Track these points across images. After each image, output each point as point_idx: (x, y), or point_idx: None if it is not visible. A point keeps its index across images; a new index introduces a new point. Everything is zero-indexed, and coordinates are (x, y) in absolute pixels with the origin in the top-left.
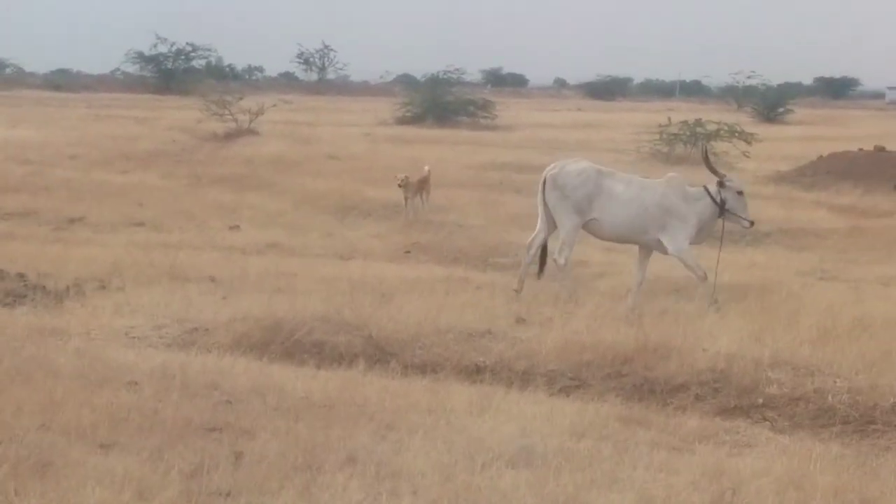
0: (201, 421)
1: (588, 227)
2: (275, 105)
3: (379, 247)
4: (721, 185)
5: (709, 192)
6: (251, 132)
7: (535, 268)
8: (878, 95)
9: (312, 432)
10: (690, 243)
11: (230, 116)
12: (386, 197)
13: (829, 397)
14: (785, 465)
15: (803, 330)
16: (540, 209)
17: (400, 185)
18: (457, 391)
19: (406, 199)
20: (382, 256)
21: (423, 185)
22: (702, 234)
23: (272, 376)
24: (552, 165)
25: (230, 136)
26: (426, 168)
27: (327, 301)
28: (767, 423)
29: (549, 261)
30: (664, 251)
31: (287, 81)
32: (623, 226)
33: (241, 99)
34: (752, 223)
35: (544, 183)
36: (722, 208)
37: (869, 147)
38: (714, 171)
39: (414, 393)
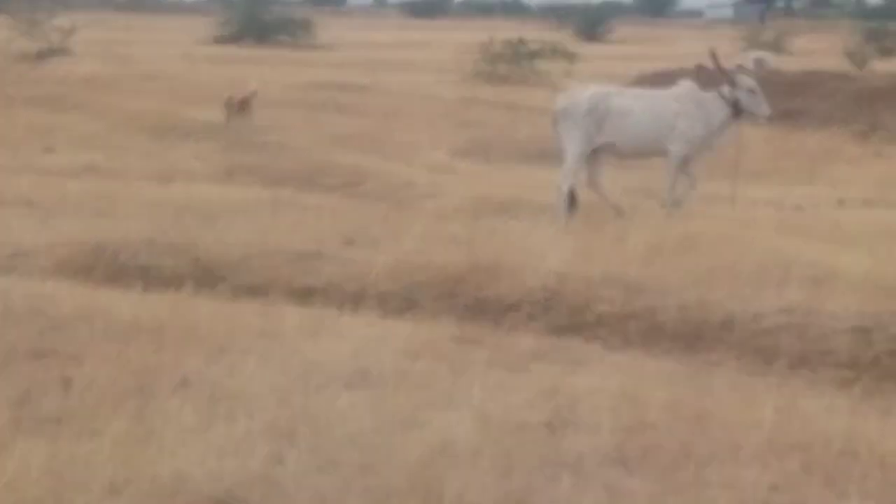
0: (27, 347)
1: (609, 149)
2: (88, 24)
3: (201, 168)
4: (732, 84)
5: (721, 95)
6: (64, 52)
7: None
8: (697, 14)
9: (143, 356)
10: (690, 152)
11: (41, 35)
12: (206, 117)
13: (659, 314)
14: (619, 382)
15: (632, 248)
16: (559, 142)
17: (226, 103)
18: (288, 313)
19: (228, 118)
20: (205, 178)
21: (246, 104)
22: (713, 139)
23: (98, 301)
24: (561, 96)
25: (42, 56)
26: (252, 85)
27: (151, 223)
28: (600, 340)
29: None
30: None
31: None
32: (642, 139)
33: (52, 17)
34: (768, 116)
35: (556, 117)
36: (736, 108)
37: (690, 65)
38: (723, 72)
39: (245, 315)
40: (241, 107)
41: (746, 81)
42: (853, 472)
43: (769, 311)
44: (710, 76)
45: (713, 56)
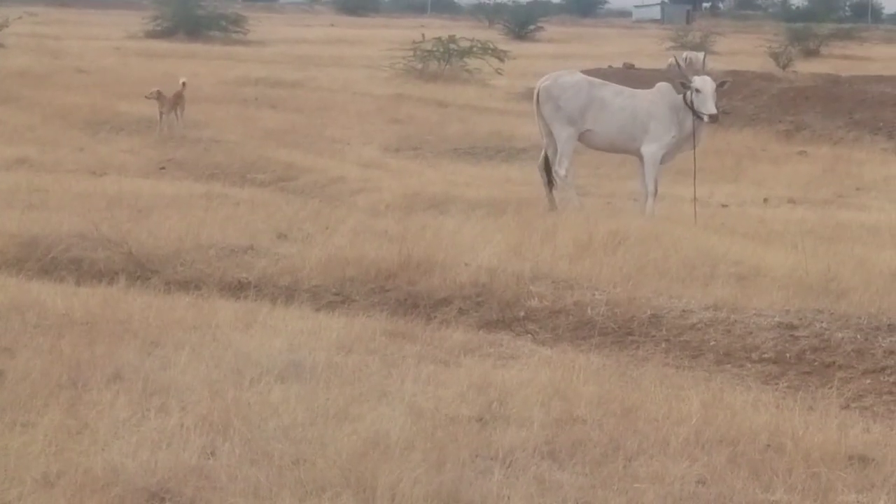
0: None
1: (583, 138)
2: (20, 17)
3: (133, 162)
4: (684, 86)
5: (685, 99)
6: None
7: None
8: (625, 14)
9: (76, 349)
10: (666, 153)
11: None
12: (138, 111)
13: (589, 310)
14: (549, 376)
15: (561, 244)
16: (539, 123)
17: (148, 97)
18: (221, 307)
19: (161, 113)
20: (137, 172)
21: (178, 99)
22: (680, 143)
23: (30, 293)
24: (545, 77)
25: None
26: (181, 81)
27: (83, 217)
28: (529, 335)
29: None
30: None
31: None
32: (615, 134)
33: None
34: (710, 116)
35: (538, 96)
36: (692, 110)
37: (618, 64)
38: (685, 76)
39: (178, 309)
40: (174, 102)
41: (696, 82)
42: (779, 466)
43: (696, 307)
44: (638, 75)
45: (676, 60)
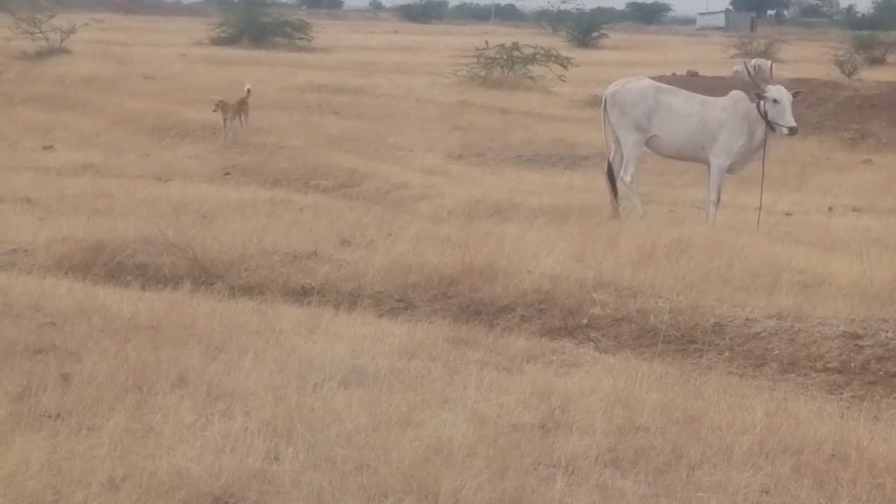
0: (26, 343)
1: (650, 144)
2: (87, 24)
3: (197, 168)
4: (758, 96)
5: (758, 108)
6: (63, 51)
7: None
8: (689, 21)
9: (141, 353)
10: (734, 162)
11: (41, 35)
12: (203, 118)
13: (652, 318)
14: (612, 384)
15: (624, 252)
16: (604, 130)
17: (214, 111)
18: (285, 312)
19: (225, 120)
20: (201, 178)
21: (242, 105)
22: (750, 153)
23: (96, 298)
24: (613, 84)
25: (41, 55)
26: (247, 88)
27: (149, 222)
28: (592, 343)
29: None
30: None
31: (98, 0)
32: (683, 141)
33: (52, 17)
34: (791, 129)
35: (605, 102)
36: (766, 120)
37: (682, 72)
38: (755, 83)
39: (242, 314)
40: (238, 108)
41: (773, 92)
42: (843, 476)
43: (760, 315)
44: (701, 83)
45: (747, 68)
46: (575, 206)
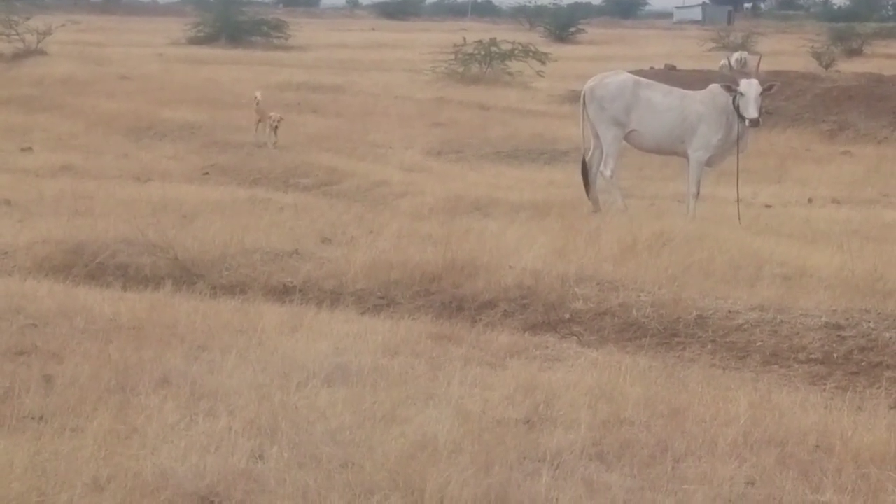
0: (8, 345)
1: (629, 138)
2: (63, 25)
3: (176, 168)
4: (730, 88)
5: (733, 101)
6: (40, 53)
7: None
8: (666, 15)
9: (124, 354)
10: (712, 156)
11: (17, 37)
12: (181, 118)
13: (634, 311)
14: (595, 378)
15: (606, 246)
16: (582, 125)
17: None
18: (267, 311)
19: (258, 122)
20: (181, 178)
21: (264, 115)
22: (728, 146)
23: (78, 299)
24: (591, 79)
25: (18, 57)
26: (256, 95)
27: (129, 223)
28: (575, 337)
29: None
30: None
31: (74, 1)
32: (663, 135)
33: (28, 19)
34: (751, 121)
35: (584, 97)
36: (738, 113)
37: (659, 66)
38: (733, 77)
39: (224, 313)
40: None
41: (742, 85)
42: (828, 466)
43: (742, 308)
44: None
45: (729, 61)
46: (555, 201)
